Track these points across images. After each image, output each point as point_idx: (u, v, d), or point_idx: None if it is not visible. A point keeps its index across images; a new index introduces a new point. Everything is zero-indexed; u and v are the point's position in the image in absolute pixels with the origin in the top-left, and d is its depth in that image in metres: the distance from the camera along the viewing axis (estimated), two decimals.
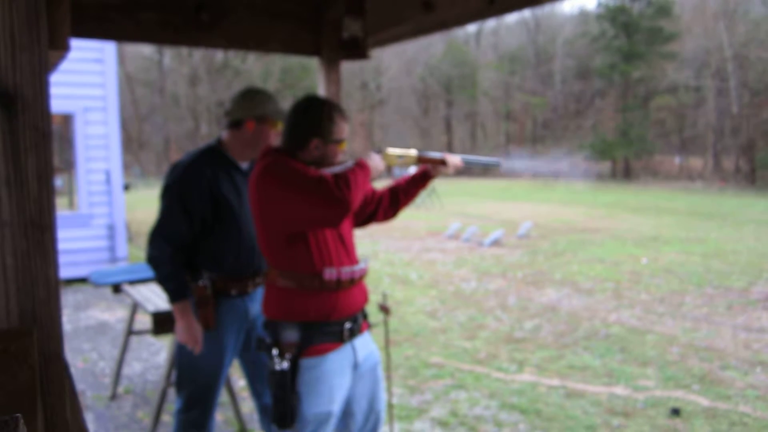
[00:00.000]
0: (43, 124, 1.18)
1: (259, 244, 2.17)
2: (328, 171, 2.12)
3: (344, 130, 2.16)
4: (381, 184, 2.45)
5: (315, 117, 2.11)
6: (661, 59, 37.10)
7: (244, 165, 2.70)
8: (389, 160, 2.26)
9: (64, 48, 1.30)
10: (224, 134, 2.67)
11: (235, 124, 2.62)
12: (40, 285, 1.19)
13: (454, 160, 2.36)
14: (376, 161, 2.18)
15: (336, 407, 2.13)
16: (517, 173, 35.98)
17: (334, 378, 2.11)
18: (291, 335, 2.08)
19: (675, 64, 36.82)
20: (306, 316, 2.08)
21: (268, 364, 2.07)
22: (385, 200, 2.39)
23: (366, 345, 2.27)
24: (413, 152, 2.32)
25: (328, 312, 2.09)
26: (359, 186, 2.00)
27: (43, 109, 1.18)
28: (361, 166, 2.07)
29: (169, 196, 2.55)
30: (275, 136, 2.65)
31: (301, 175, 1.98)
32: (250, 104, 2.59)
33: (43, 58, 1.18)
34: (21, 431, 0.63)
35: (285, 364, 2.05)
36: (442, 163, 2.34)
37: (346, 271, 2.11)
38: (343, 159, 2.20)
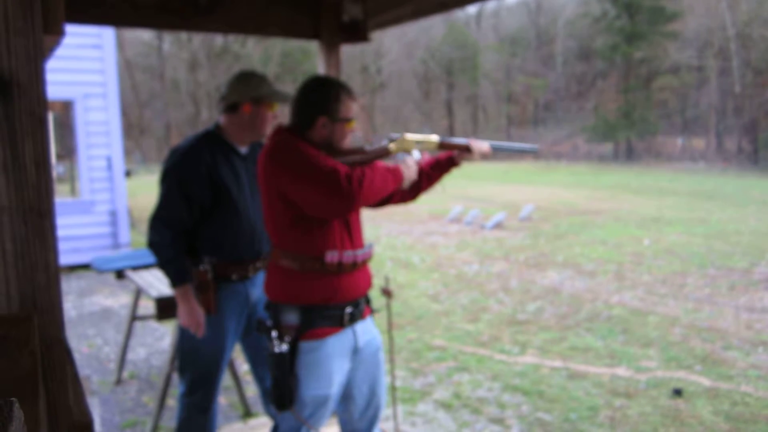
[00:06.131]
0: (39, 110, 1.17)
1: (265, 222, 2.17)
2: (353, 158, 2.10)
3: (352, 109, 2.13)
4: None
5: (322, 95, 2.09)
6: (663, 39, 36.85)
7: (243, 149, 2.70)
8: (407, 146, 2.20)
9: (59, 33, 1.29)
10: (221, 119, 2.66)
11: (231, 108, 2.61)
12: (39, 270, 1.19)
13: (481, 146, 2.27)
14: (411, 171, 2.14)
15: (334, 391, 2.14)
16: (519, 156, 35.88)
17: (333, 362, 2.11)
18: (291, 318, 2.08)
19: (677, 44, 36.57)
20: (306, 298, 2.08)
21: (268, 347, 2.07)
22: None
23: (368, 330, 2.26)
24: (434, 138, 2.24)
25: (329, 295, 2.08)
26: (376, 187, 1.97)
27: (39, 94, 1.18)
28: (392, 170, 2.05)
29: (168, 181, 2.55)
30: (272, 118, 2.64)
31: (311, 162, 1.96)
32: (246, 87, 2.58)
33: (38, 43, 1.17)
34: (16, 415, 0.63)
35: (284, 347, 2.05)
36: (467, 149, 2.27)
37: (348, 254, 2.10)
38: (354, 141, 2.18)
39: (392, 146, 2.18)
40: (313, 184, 1.94)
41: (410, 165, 2.15)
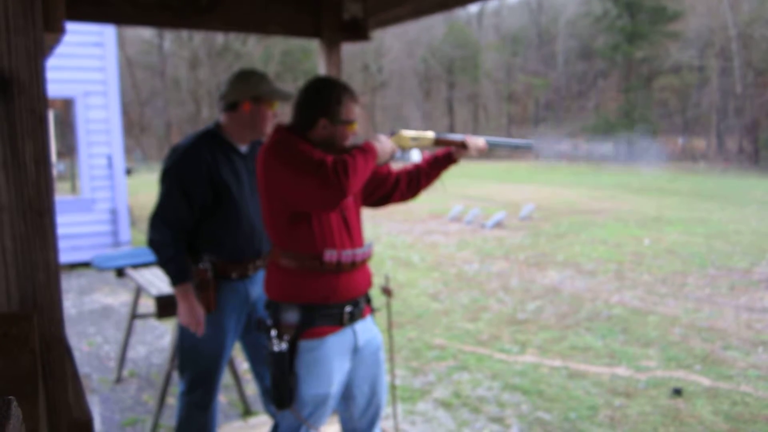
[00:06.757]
0: (39, 108, 1.17)
1: (264, 221, 2.17)
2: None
3: (353, 111, 2.12)
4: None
5: (324, 97, 2.09)
6: (665, 39, 36.84)
7: (243, 148, 2.69)
8: (403, 143, 2.18)
9: (60, 31, 1.29)
10: (222, 117, 2.66)
11: (231, 107, 2.61)
12: (39, 269, 1.19)
13: (477, 142, 2.26)
14: (383, 143, 2.13)
15: (334, 390, 2.13)
16: (520, 155, 35.89)
17: (332, 361, 2.10)
18: (291, 317, 2.08)
19: (678, 44, 36.55)
20: (306, 297, 2.07)
21: (267, 345, 2.07)
22: (402, 182, 2.33)
23: (368, 329, 2.25)
24: (430, 134, 2.23)
25: (328, 294, 2.08)
26: (359, 171, 1.97)
27: (40, 92, 1.18)
28: (364, 149, 2.04)
29: (168, 179, 2.55)
30: (272, 116, 2.64)
31: (303, 156, 1.96)
32: (245, 86, 2.58)
33: (39, 41, 1.17)
34: (13, 413, 0.63)
35: (283, 346, 2.05)
36: (463, 145, 2.26)
37: (347, 254, 2.09)
38: (354, 141, 2.17)
39: None
40: (304, 177, 1.93)
41: (381, 139, 2.15)
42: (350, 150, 2.05)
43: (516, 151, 2.49)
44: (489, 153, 2.34)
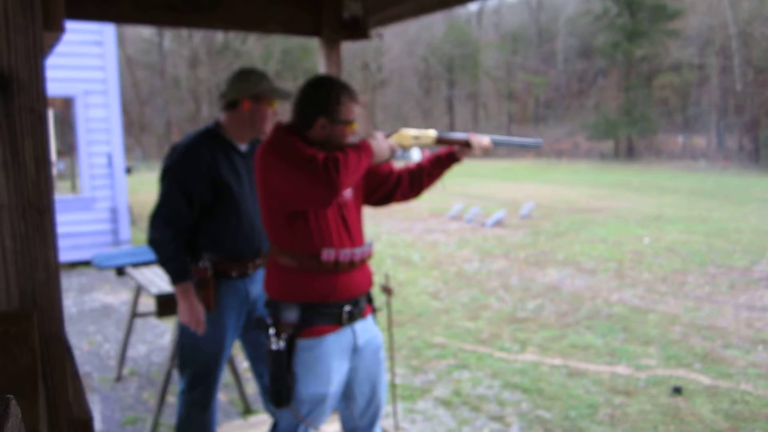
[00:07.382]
0: (39, 107, 1.17)
1: (263, 219, 2.17)
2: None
3: (352, 110, 2.11)
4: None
5: (322, 96, 2.08)
6: (665, 37, 36.81)
7: (243, 146, 2.69)
8: (404, 141, 2.17)
9: (59, 29, 1.29)
10: (221, 116, 2.66)
11: (231, 105, 2.61)
12: (39, 267, 1.19)
13: (481, 141, 2.24)
14: (380, 141, 2.12)
15: (333, 389, 2.13)
16: (520, 154, 35.89)
17: (331, 360, 2.10)
18: (290, 315, 2.07)
19: (679, 42, 36.53)
20: (305, 296, 2.07)
21: (265, 344, 2.07)
22: (404, 181, 2.31)
23: (368, 329, 2.24)
24: (432, 133, 2.21)
25: (327, 293, 2.07)
26: (351, 168, 1.96)
27: (39, 91, 1.17)
28: (360, 147, 2.03)
29: (168, 178, 2.55)
30: (272, 115, 2.64)
31: (296, 153, 1.96)
32: (245, 84, 2.58)
33: (38, 39, 1.17)
34: (12, 412, 0.63)
35: (282, 344, 2.05)
36: (466, 144, 2.24)
37: (345, 253, 2.08)
38: (353, 140, 2.16)
39: None
40: (295, 173, 1.94)
41: (378, 137, 2.14)
42: (344, 147, 2.05)
43: (522, 150, 2.48)
44: (489, 151, 2.32)
